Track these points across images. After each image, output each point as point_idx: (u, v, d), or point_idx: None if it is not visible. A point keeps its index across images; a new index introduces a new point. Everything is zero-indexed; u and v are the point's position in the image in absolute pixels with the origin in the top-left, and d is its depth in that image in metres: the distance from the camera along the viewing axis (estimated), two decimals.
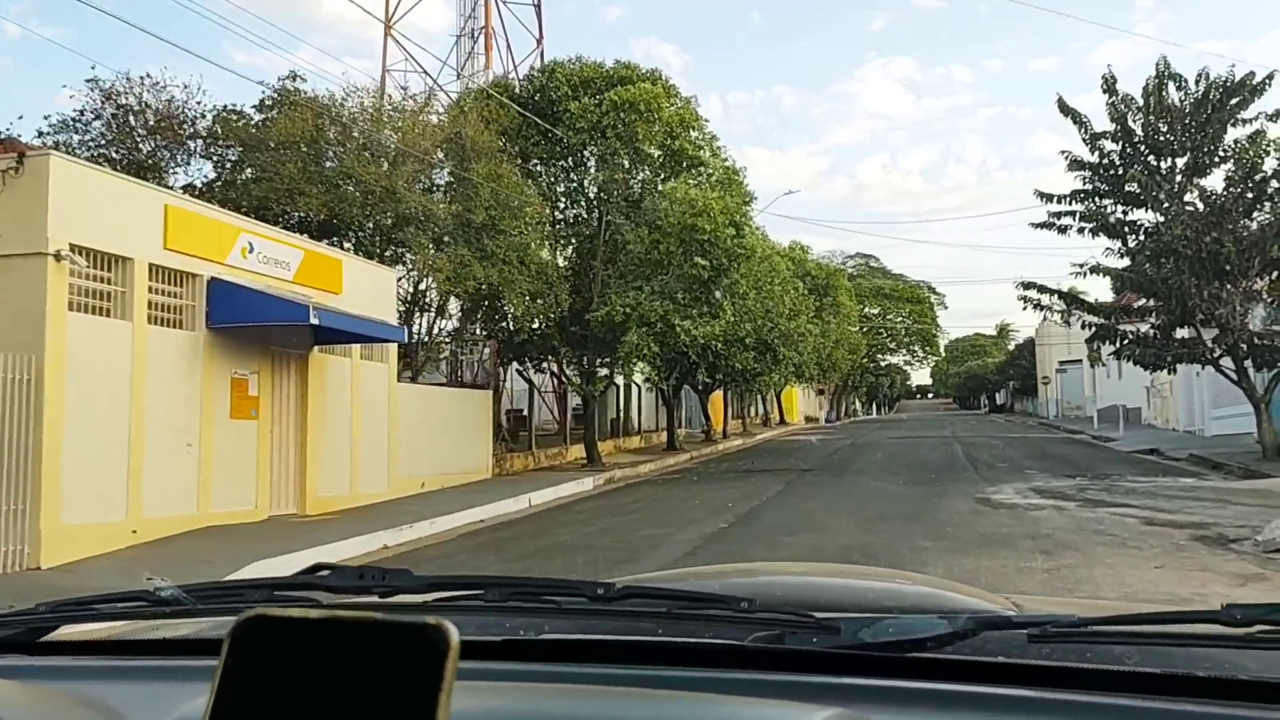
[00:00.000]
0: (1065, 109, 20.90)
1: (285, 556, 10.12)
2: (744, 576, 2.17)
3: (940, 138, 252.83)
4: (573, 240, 22.73)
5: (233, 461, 13.01)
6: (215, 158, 18.56)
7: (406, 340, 16.28)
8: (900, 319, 76.33)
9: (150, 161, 17.59)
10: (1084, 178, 20.60)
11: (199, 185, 18.46)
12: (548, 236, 22.27)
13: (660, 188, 20.69)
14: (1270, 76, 19.19)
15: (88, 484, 10.53)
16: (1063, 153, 20.87)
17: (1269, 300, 18.37)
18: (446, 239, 18.57)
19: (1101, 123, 20.65)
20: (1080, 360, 59.96)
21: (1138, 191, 19.67)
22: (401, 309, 20.38)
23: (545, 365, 23.32)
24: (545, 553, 10.95)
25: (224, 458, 12.82)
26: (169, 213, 11.93)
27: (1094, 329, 21.23)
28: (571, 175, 22.36)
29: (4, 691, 1.25)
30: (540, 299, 19.43)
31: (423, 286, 20.10)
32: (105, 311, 11.06)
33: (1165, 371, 20.57)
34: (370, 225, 18.24)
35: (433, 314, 20.75)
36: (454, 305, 22.01)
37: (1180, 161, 19.82)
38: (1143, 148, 19.92)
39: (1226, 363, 19.80)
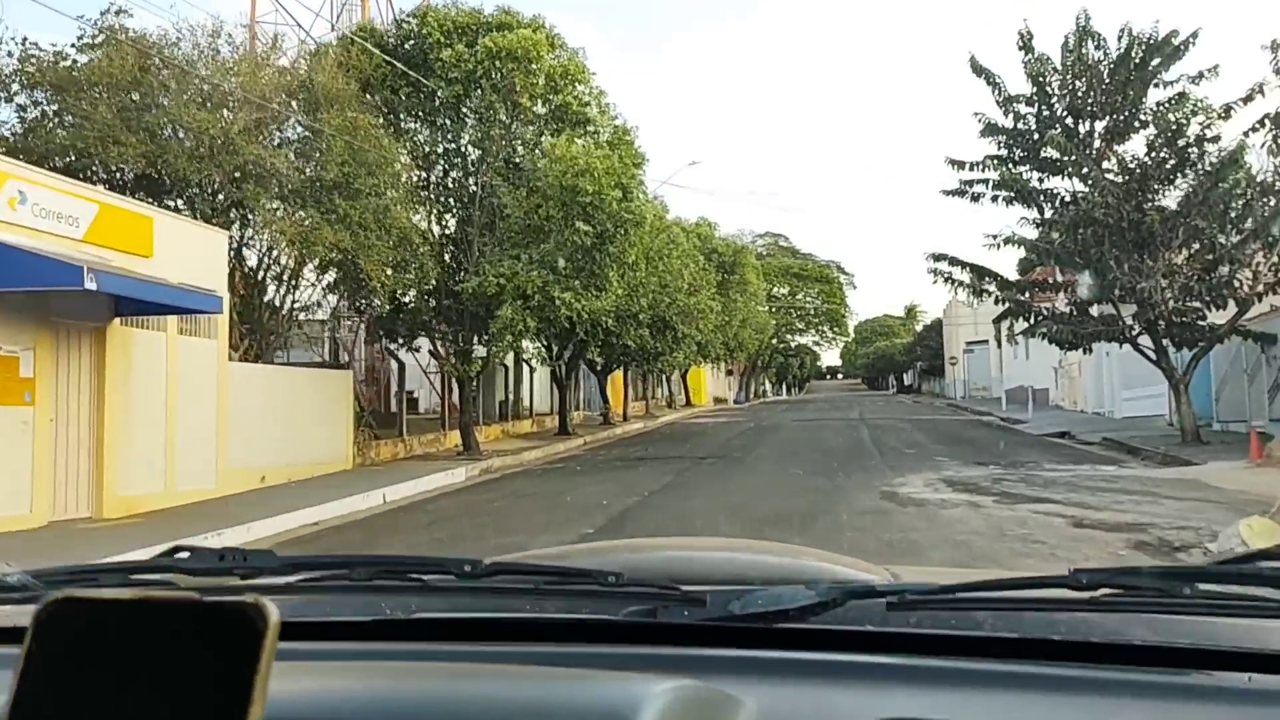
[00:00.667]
0: (978, 69, 19.38)
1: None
2: (614, 553, 2.00)
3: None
4: (454, 206, 20.56)
5: None
6: (17, 102, 15.97)
7: (223, 311, 13.94)
8: (809, 299, 75.47)
9: None
10: (998, 142, 19.13)
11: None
12: (421, 201, 20.10)
13: (540, 146, 18.57)
14: (1194, 35, 17.91)
15: None
16: (975, 115, 19.40)
17: (1189, 274, 17.12)
18: (294, 198, 16.29)
19: (1016, 86, 19.24)
20: (987, 341, 59.68)
21: (1056, 157, 18.25)
22: (251, 277, 18.09)
23: (419, 343, 21.12)
24: None
25: None
26: None
27: (1006, 305, 19.89)
28: (450, 135, 20.13)
29: None
30: (403, 269, 17.26)
31: (275, 253, 17.79)
32: None
33: (1081, 351, 19.29)
34: (203, 182, 15.83)
35: (284, 284, 18.42)
36: (328, 277, 19.75)
37: (1099, 125, 18.46)
38: (1060, 109, 18.51)
39: (1144, 341, 18.61)
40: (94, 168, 15.51)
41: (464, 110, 19.21)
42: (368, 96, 18.39)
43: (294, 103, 16.91)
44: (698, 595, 1.25)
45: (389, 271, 16.98)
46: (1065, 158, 18.06)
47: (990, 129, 19.31)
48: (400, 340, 20.75)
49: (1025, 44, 18.72)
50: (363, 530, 11.78)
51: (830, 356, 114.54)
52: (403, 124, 20.03)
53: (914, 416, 35.30)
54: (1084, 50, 18.18)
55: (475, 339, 19.45)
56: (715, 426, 32.49)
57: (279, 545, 10.64)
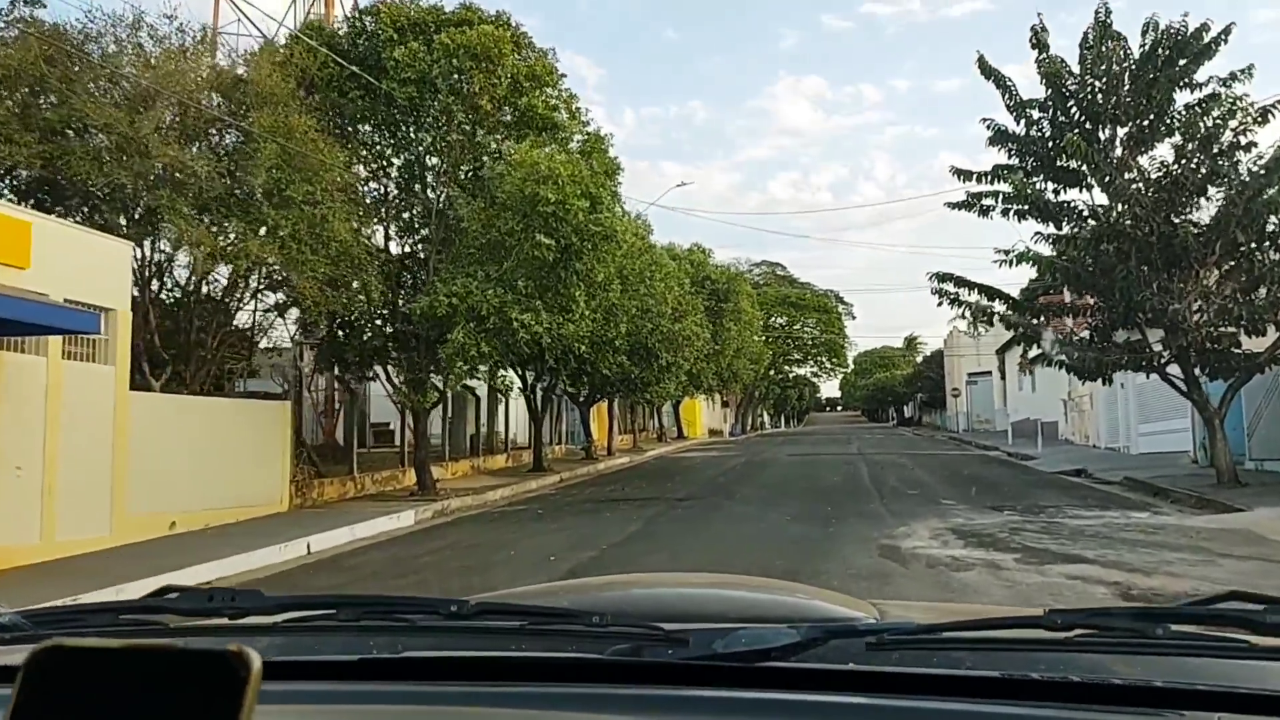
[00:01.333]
0: (987, 70, 17.58)
1: None
2: (599, 590, 2.10)
3: (849, 154, 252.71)
4: (409, 220, 18.70)
5: None
6: None
7: (103, 331, 12.03)
8: (807, 329, 73.63)
9: None
10: (1009, 150, 17.28)
11: None
12: (374, 214, 18.26)
13: (500, 152, 16.65)
14: (1226, 32, 16.11)
15: None
16: (983, 120, 17.57)
17: (1227, 295, 15.21)
18: (217, 207, 14.42)
19: (1028, 96, 17.43)
20: (990, 372, 57.82)
21: (1075, 166, 16.39)
22: (186, 296, 16.23)
23: (373, 372, 19.17)
24: None
25: None
26: None
27: (1018, 331, 17.97)
28: (405, 143, 18.27)
29: None
30: (341, 287, 15.37)
31: (206, 270, 15.89)
32: None
33: (1100, 382, 17.35)
34: (111, 187, 13.97)
35: (220, 305, 16.52)
36: (272, 297, 17.87)
37: (1121, 131, 16.62)
38: (1077, 113, 16.67)
39: (1173, 370, 16.69)
40: None
41: (420, 115, 17.35)
42: (312, 98, 16.59)
43: (221, 102, 15.08)
44: (681, 635, 1.27)
45: (327, 290, 15.07)
46: (1084, 166, 16.20)
47: (1000, 136, 17.46)
48: (350, 368, 18.81)
49: (1039, 41, 16.93)
50: (270, 588, 9.78)
51: (829, 388, 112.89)
52: (357, 131, 18.22)
53: (915, 451, 33.29)
54: (1104, 48, 16.37)
55: (431, 367, 17.51)
56: (704, 462, 30.46)
57: None
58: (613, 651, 1.28)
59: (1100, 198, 16.49)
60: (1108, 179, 15.65)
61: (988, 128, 17.59)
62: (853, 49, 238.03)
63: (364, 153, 18.64)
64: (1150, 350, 16.21)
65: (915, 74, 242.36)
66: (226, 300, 16.54)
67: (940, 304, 17.25)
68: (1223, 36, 16.09)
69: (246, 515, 15.19)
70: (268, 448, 15.99)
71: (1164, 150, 16.30)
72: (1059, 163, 16.91)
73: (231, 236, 14.35)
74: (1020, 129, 17.37)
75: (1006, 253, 16.53)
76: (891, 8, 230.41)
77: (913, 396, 78.49)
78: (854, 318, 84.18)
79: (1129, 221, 14.85)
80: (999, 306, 17.58)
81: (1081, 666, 1.23)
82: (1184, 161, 15.50)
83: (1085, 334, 17.20)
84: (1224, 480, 15.96)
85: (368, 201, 18.54)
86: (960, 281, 17.53)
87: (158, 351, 15.65)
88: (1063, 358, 16.71)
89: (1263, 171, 14.66)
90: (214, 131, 15.12)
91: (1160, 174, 15.64)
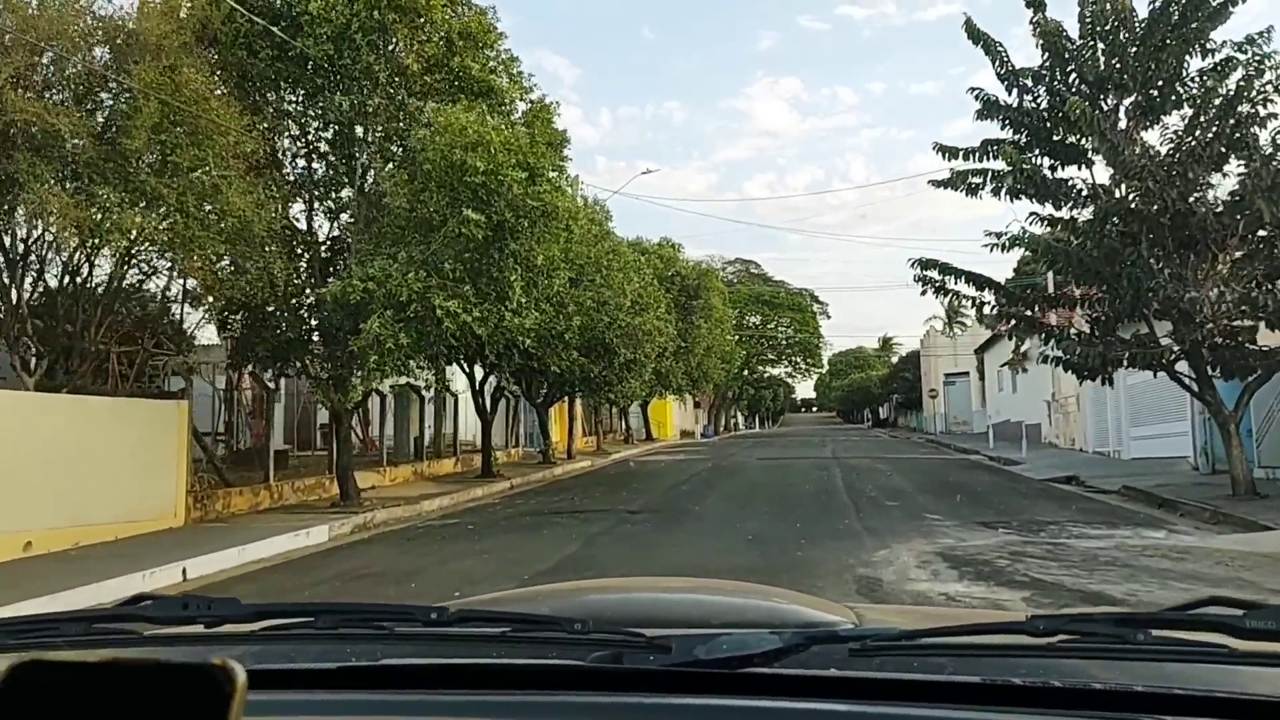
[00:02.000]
0: (975, 35, 15.75)
1: None
2: (581, 594, 2.02)
3: (825, 157, 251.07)
4: (329, 195, 16.65)
5: None
6: None
7: None
8: (782, 329, 71.94)
9: None
10: (1001, 121, 15.45)
11: None
12: (291, 188, 16.23)
13: (426, 116, 14.61)
14: None
15: None
16: (972, 90, 15.75)
17: (1249, 282, 13.44)
18: (89, 174, 12.37)
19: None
20: (967, 373, 56.26)
21: (1076, 140, 14.59)
22: (73, 280, 14.17)
23: (292, 367, 17.10)
24: None
25: None
26: None
27: (1015, 323, 16.15)
28: (324, 108, 16.18)
29: None
30: (239, 271, 13.35)
31: (89, 248, 13.83)
32: None
33: (1102, 381, 15.54)
34: None
35: (111, 290, 14.45)
36: (176, 285, 15.82)
37: (1127, 101, 14.84)
38: (1077, 80, 14.86)
39: (1182, 367, 14.92)
40: None
41: (339, 77, 15.32)
42: (212, 55, 14.56)
43: (97, 51, 13.02)
44: (663, 641, 1.25)
45: (221, 271, 13.05)
46: (1087, 140, 14.40)
47: (990, 108, 15.63)
48: (261, 364, 16.74)
49: (1034, 1, 15.14)
50: None
51: (804, 389, 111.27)
52: (270, 97, 16.17)
53: (893, 455, 31.50)
54: (1108, 5, 14.58)
55: (356, 363, 15.48)
56: (668, 467, 28.53)
57: None
58: (594, 658, 1.26)
59: (1102, 175, 14.71)
60: (1114, 150, 13.82)
61: (976, 98, 15.78)
62: (829, 51, 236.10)
63: (288, 123, 16.62)
64: (1159, 345, 14.42)
65: (890, 76, 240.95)
66: (116, 286, 14.46)
67: (924, 292, 15.42)
68: None
69: (130, 532, 13.18)
70: (157, 453, 13.94)
71: (1174, 121, 14.54)
72: (1056, 136, 15.14)
73: (107, 209, 12.29)
74: (1013, 99, 15.58)
75: (998, 235, 14.71)
76: (867, 10, 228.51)
77: (888, 398, 77.01)
78: (829, 317, 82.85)
79: (1138, 197, 13.04)
80: (988, 296, 15.77)
81: (1062, 672, 1.22)
82: (1199, 132, 13.73)
83: (1086, 327, 15.42)
84: (1240, 491, 14.22)
85: (291, 179, 16.52)
86: (946, 269, 15.70)
87: (31, 344, 13.64)
88: (1060, 354, 14.88)
89: None
90: (88, 87, 13.04)
91: (1172, 146, 13.86)
